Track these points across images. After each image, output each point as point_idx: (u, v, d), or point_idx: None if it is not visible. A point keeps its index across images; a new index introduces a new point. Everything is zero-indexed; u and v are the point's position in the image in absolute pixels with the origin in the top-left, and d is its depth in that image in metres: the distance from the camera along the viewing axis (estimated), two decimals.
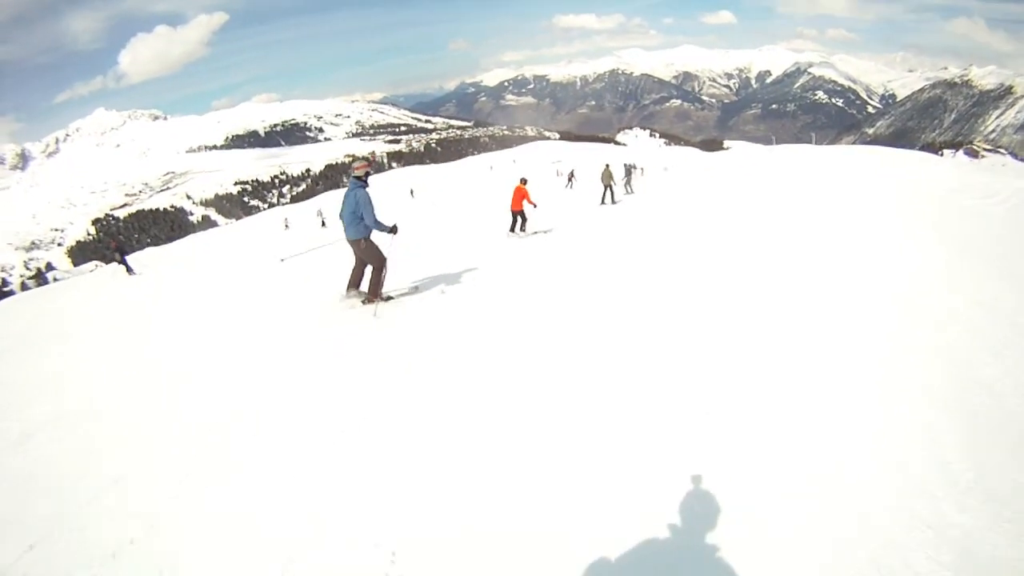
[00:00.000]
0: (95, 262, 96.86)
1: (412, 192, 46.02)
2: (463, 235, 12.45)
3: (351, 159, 6.43)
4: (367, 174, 5.52)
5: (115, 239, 22.58)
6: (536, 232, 11.24)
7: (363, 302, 5.76)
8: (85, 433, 3.77)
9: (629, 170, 21.37)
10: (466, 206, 22.26)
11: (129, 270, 16.91)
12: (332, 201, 51.13)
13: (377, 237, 5.63)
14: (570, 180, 28.19)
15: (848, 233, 7.68)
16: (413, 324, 5.09)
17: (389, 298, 5.91)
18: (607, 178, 16.43)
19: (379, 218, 5.46)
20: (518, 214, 11.19)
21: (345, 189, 5.60)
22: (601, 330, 4.49)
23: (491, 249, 9.51)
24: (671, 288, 5.61)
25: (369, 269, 5.73)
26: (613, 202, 16.31)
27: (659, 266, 6.73)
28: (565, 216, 13.75)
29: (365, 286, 5.80)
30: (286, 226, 34.37)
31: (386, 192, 42.22)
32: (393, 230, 5.57)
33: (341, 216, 5.56)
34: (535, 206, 11.78)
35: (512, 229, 11.20)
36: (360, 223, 5.44)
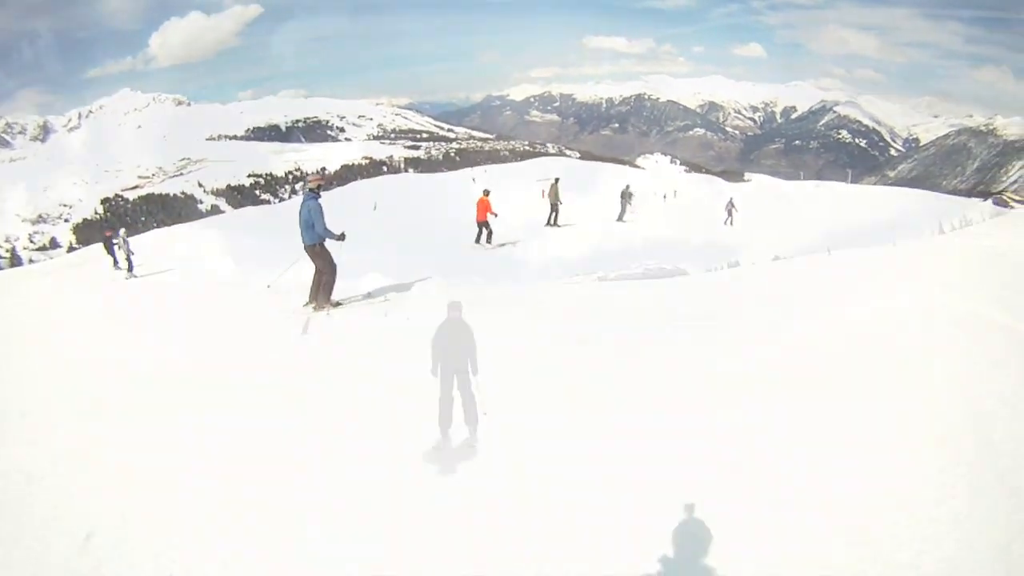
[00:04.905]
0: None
1: (375, 206, 36.86)
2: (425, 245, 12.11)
3: (317, 174, 7.03)
4: (319, 187, 6.08)
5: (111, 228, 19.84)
6: (504, 244, 11.20)
7: (314, 309, 6.04)
8: None
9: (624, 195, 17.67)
10: (433, 216, 18.90)
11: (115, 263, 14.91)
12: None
13: (330, 244, 6.01)
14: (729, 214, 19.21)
15: None
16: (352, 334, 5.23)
17: (339, 304, 6.20)
18: (554, 196, 14.71)
19: (329, 226, 5.89)
20: (483, 225, 11.23)
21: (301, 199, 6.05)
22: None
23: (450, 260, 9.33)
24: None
25: (322, 277, 6.04)
26: (556, 223, 14.74)
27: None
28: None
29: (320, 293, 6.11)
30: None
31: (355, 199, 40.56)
32: (341, 237, 5.95)
33: (300, 224, 5.92)
34: (496, 215, 11.45)
35: (477, 240, 11.27)
36: (312, 230, 5.84)
